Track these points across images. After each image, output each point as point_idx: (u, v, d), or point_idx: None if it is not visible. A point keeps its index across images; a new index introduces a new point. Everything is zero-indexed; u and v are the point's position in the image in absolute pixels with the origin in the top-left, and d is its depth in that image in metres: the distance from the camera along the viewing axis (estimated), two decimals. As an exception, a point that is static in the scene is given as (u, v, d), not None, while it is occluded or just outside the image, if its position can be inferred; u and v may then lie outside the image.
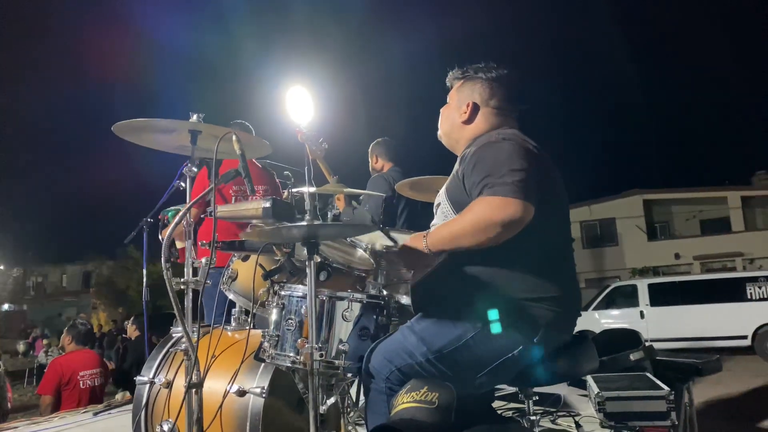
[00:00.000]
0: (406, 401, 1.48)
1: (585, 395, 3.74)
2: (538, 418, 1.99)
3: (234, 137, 1.89)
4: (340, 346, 1.98)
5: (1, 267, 34.64)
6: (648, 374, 3.74)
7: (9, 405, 5.05)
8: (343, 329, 2.01)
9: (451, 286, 1.89)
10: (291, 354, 1.99)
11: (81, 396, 5.01)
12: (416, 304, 2.01)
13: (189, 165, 2.09)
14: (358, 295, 2.04)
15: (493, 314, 1.77)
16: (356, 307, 2.03)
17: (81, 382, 5.06)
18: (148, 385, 2.44)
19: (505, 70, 2.11)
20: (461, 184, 1.90)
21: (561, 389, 4.48)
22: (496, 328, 1.76)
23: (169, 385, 2.40)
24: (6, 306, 35.19)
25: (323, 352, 1.85)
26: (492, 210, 1.69)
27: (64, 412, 4.75)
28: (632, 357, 4.08)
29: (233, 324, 2.63)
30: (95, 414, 4.13)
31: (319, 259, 2.35)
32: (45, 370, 5.46)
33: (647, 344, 4.28)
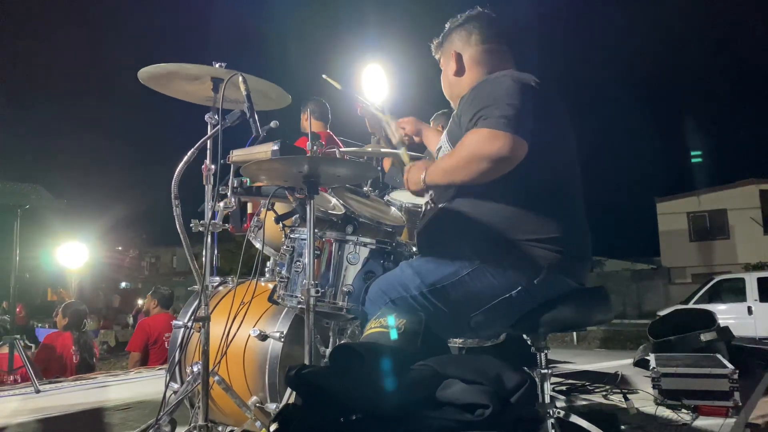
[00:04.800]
0: (373, 326, 1.47)
1: (649, 376, 3.54)
2: (549, 372, 1.89)
3: (240, 78, 1.93)
4: (343, 288, 1.99)
5: (120, 248, 37.67)
6: (719, 355, 3.47)
7: (95, 360, 5.47)
8: (350, 272, 2.02)
9: (453, 226, 1.85)
10: (298, 295, 2.03)
11: (166, 356, 5.32)
12: (421, 249, 1.98)
13: (211, 113, 2.16)
14: (364, 239, 2.04)
15: (490, 252, 1.73)
16: (363, 251, 2.03)
17: (166, 343, 5.35)
18: (183, 329, 2.56)
19: (475, 10, 2.05)
20: (459, 121, 1.85)
21: (627, 370, 4.26)
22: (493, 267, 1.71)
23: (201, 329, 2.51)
24: (123, 284, 38.20)
25: (320, 290, 1.87)
26: (481, 142, 1.65)
27: (141, 368, 5.12)
28: (703, 337, 3.80)
29: (267, 275, 2.71)
30: (169, 371, 4.40)
31: (343, 211, 2.38)
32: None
33: (722, 326, 3.96)
